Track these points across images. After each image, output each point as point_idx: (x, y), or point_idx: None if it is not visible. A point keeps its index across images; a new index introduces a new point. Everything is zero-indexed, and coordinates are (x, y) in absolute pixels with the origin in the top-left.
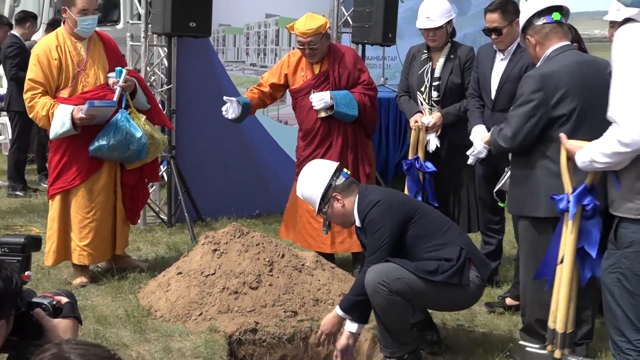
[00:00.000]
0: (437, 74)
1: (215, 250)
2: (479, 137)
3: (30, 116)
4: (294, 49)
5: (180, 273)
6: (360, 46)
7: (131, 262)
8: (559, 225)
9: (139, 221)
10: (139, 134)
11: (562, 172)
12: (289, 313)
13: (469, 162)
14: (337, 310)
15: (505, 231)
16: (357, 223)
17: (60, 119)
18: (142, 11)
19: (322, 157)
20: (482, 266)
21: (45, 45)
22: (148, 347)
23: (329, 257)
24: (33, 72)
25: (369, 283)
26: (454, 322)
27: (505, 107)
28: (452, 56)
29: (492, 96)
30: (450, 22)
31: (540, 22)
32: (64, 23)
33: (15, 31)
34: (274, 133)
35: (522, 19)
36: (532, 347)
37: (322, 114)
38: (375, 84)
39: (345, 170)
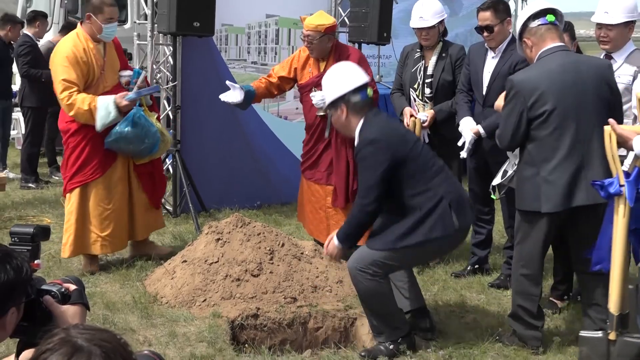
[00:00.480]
0: (429, 71)
1: (218, 239)
2: (468, 128)
3: (71, 113)
4: (294, 48)
5: (185, 261)
6: (356, 45)
7: (155, 249)
8: (607, 210)
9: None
10: (154, 129)
11: (609, 157)
12: (289, 299)
13: (463, 155)
14: (335, 240)
15: (495, 221)
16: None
17: (105, 109)
18: (148, 11)
19: (322, 152)
20: (462, 213)
21: (72, 46)
22: (154, 332)
23: None
24: (66, 72)
25: (350, 271)
26: (446, 308)
27: (494, 103)
28: (443, 54)
29: (484, 92)
30: (442, 22)
31: (535, 24)
32: (81, 24)
33: (27, 30)
34: (275, 128)
35: (518, 25)
36: (586, 332)
37: (321, 112)
38: (376, 86)
39: (368, 90)
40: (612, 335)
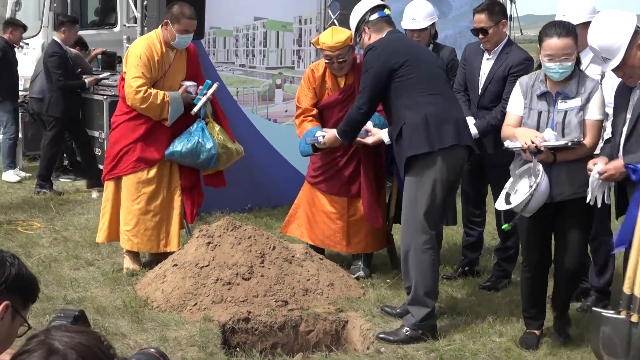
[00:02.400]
0: None
1: (209, 243)
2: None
3: (143, 107)
4: (282, 50)
5: (175, 265)
6: None
7: None
8: (635, 193)
9: None
10: (209, 145)
11: None
12: (280, 303)
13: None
14: (335, 133)
15: (486, 223)
16: None
17: (177, 104)
18: (138, 14)
19: (344, 165)
20: (462, 133)
21: (146, 46)
22: (145, 336)
23: (319, 250)
24: (141, 68)
25: (408, 244)
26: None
27: (489, 105)
28: None
29: (479, 94)
30: (433, 24)
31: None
32: (163, 27)
33: (56, 37)
34: (264, 131)
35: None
36: (608, 313)
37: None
38: None
39: (385, 10)
40: (634, 318)
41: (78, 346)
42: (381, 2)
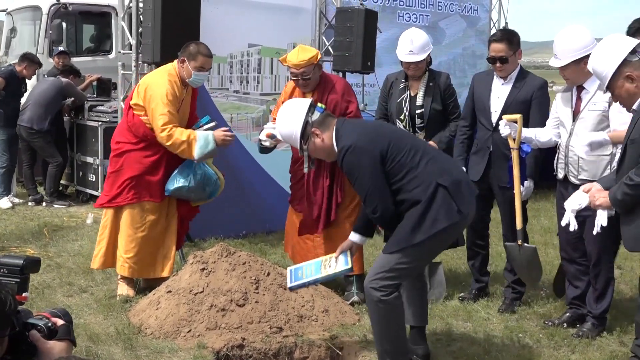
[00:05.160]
0: (419, 102)
1: (203, 269)
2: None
3: (168, 144)
4: (276, 77)
5: (169, 291)
6: (340, 74)
7: None
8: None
9: None
10: (214, 177)
11: None
12: (275, 329)
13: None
14: (351, 237)
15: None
16: None
17: (205, 140)
18: (133, 41)
19: (312, 182)
20: (460, 197)
21: (169, 82)
22: None
23: None
24: (168, 105)
25: (365, 289)
26: (432, 337)
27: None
28: (431, 84)
29: (493, 118)
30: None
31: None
32: (179, 64)
33: (17, 67)
34: (258, 156)
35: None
36: (510, 244)
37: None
38: (361, 115)
39: (319, 104)
40: (519, 242)
41: None
42: (311, 100)
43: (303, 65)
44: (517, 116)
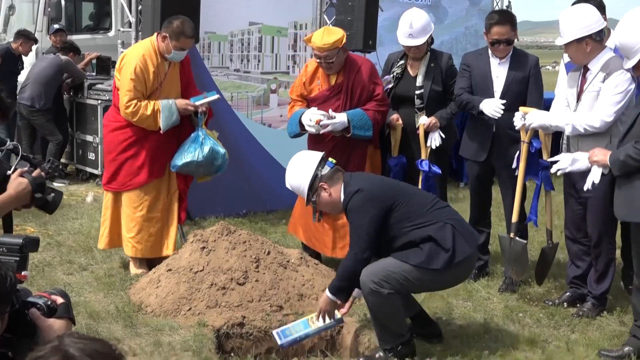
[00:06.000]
0: (419, 82)
1: (203, 247)
2: (492, 104)
3: (135, 119)
4: (277, 55)
5: (170, 270)
6: None
7: None
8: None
9: None
10: (222, 150)
11: None
12: (275, 307)
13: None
14: (327, 294)
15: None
16: None
17: (169, 110)
18: (132, 19)
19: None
20: (470, 238)
21: (142, 57)
22: (139, 341)
23: (315, 255)
24: (134, 81)
25: (364, 283)
26: (432, 316)
27: (512, 107)
28: (432, 65)
29: (497, 96)
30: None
31: (326, 169)
32: (160, 38)
33: (13, 44)
34: (259, 136)
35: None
36: (503, 234)
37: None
38: (387, 99)
39: (330, 159)
40: (512, 234)
41: (93, 353)
42: (322, 154)
43: (326, 48)
44: (531, 109)
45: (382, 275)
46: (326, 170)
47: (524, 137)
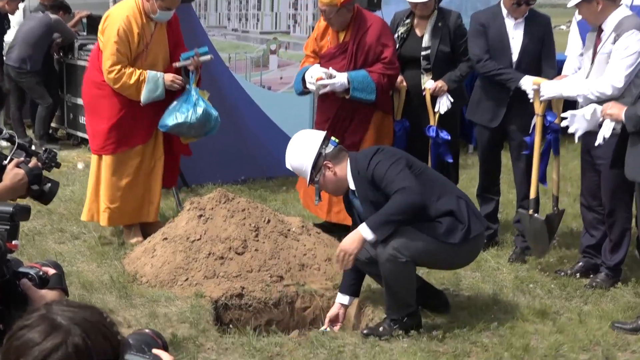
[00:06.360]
0: (425, 43)
1: (200, 216)
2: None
3: (116, 87)
4: (277, 14)
5: (165, 239)
6: None
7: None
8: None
9: None
10: (215, 113)
11: None
12: (275, 278)
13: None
14: (363, 231)
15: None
16: (352, 186)
17: (154, 83)
18: None
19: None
20: (479, 216)
21: (125, 18)
22: (134, 313)
23: (320, 224)
24: (118, 44)
25: (382, 250)
26: (439, 287)
27: (529, 68)
28: (439, 24)
29: (514, 58)
30: None
31: (330, 148)
32: None
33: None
34: (258, 99)
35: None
36: (523, 211)
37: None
38: (397, 62)
39: (333, 138)
40: (530, 212)
41: (82, 322)
42: (324, 132)
43: (325, 3)
44: (542, 80)
45: (401, 243)
46: (330, 148)
47: (538, 110)
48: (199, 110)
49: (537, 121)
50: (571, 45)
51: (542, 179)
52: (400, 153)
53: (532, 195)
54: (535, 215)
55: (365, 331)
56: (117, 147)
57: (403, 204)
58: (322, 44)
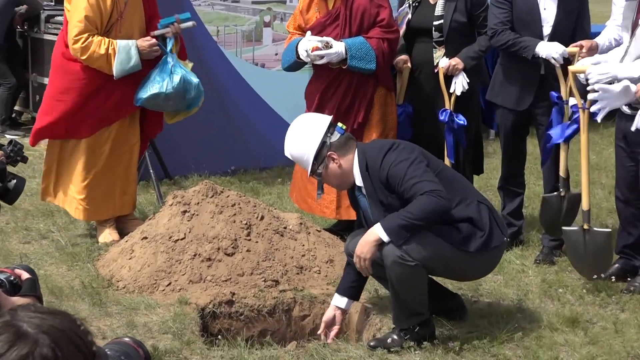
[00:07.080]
0: (438, 11)
1: (185, 211)
2: (553, 48)
3: (83, 58)
4: None
5: (145, 238)
6: None
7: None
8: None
9: None
10: (195, 80)
11: None
12: (270, 282)
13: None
14: (378, 231)
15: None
16: (358, 182)
17: (127, 54)
18: None
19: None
20: (502, 224)
21: None
22: (109, 322)
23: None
24: (87, 10)
25: (388, 252)
26: (455, 292)
27: (562, 39)
28: None
29: (547, 29)
30: None
31: (336, 136)
32: None
33: None
34: (250, 78)
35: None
36: (568, 228)
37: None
38: (396, 25)
39: (340, 125)
40: (585, 226)
41: (51, 330)
42: (330, 118)
43: None
44: (585, 67)
45: (411, 245)
46: (336, 137)
47: (580, 102)
48: (176, 79)
49: (583, 116)
50: (615, 13)
51: (547, 155)
52: (418, 149)
53: (585, 206)
54: (594, 228)
55: (372, 343)
56: (89, 129)
57: (429, 209)
58: (309, 17)
